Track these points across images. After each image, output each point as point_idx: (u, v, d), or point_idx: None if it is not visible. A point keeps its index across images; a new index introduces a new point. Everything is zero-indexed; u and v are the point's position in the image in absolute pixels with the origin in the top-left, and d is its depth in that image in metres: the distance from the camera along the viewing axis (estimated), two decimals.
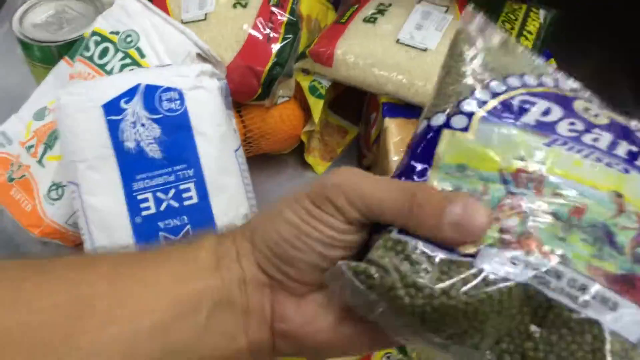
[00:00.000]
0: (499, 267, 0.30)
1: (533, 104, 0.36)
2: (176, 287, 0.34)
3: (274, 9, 0.65)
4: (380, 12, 0.69)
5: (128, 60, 0.58)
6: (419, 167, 0.35)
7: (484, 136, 0.34)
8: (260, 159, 0.70)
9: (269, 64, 0.63)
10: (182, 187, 0.51)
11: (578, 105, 0.37)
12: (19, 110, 0.62)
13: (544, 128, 0.35)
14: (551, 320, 0.30)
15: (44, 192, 0.57)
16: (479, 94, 0.36)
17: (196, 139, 0.51)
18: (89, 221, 0.50)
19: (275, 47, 0.64)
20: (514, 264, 0.30)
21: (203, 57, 0.59)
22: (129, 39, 0.59)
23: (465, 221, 0.31)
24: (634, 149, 0.36)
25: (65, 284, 0.33)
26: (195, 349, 0.33)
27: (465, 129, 0.35)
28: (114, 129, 0.50)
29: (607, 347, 0.29)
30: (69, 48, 0.64)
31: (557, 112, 0.36)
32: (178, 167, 0.51)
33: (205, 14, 0.65)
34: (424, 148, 0.35)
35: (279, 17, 0.65)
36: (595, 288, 0.30)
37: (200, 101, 0.52)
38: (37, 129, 0.59)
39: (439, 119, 0.36)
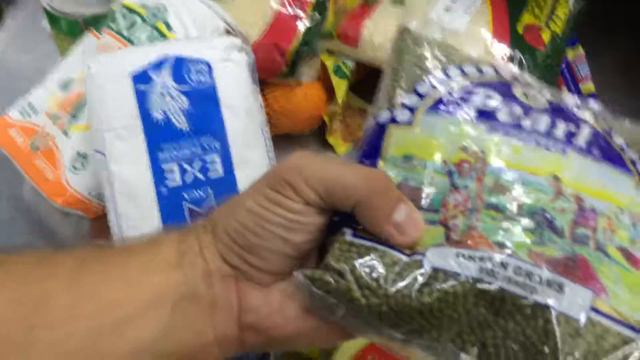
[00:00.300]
0: (447, 264, 0.31)
1: (474, 93, 0.37)
2: (139, 283, 0.33)
3: None
4: None
5: (155, 34, 0.58)
6: (367, 162, 0.37)
7: (428, 128, 0.36)
8: (281, 139, 0.70)
9: (296, 42, 0.63)
10: (207, 159, 0.51)
11: (517, 90, 0.39)
12: (44, 80, 0.62)
13: (485, 117, 0.36)
14: (506, 309, 0.30)
15: (68, 162, 0.57)
16: (422, 88, 0.38)
17: (223, 111, 0.51)
18: (115, 190, 0.50)
19: (303, 26, 0.64)
20: (461, 260, 0.31)
21: (230, 33, 0.59)
22: (157, 12, 0.59)
23: (407, 226, 0.33)
24: (572, 128, 0.37)
25: (26, 279, 0.32)
26: (161, 345, 0.33)
27: (409, 123, 0.37)
28: (142, 99, 0.50)
29: (556, 329, 0.29)
30: (96, 20, 0.64)
31: (497, 99, 0.37)
32: (204, 139, 0.51)
33: None
34: (371, 144, 0.37)
35: None
36: (539, 273, 0.30)
37: (228, 74, 0.52)
38: (64, 100, 0.59)
39: (384, 115, 0.38)
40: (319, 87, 0.68)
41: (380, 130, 0.37)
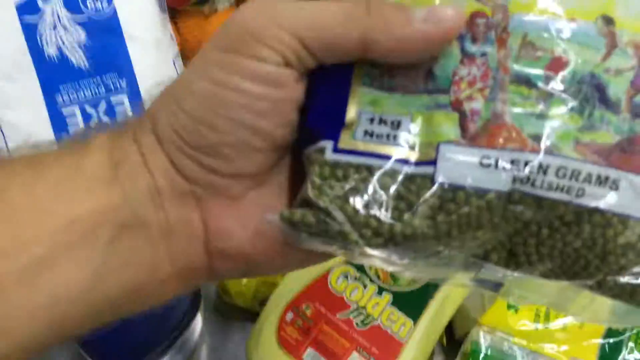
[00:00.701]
0: (468, 174, 0.24)
1: None
2: (55, 210, 0.24)
3: None
4: None
5: None
6: None
7: None
8: None
9: None
10: (113, 100, 0.45)
11: None
12: None
13: None
14: (542, 216, 0.25)
15: None
16: None
17: (128, 44, 0.45)
18: (7, 139, 0.44)
19: None
20: (487, 166, 0.24)
21: None
22: None
23: (437, 12, 0.24)
24: None
25: None
26: (96, 291, 0.25)
27: None
28: (30, 32, 0.44)
29: (606, 232, 0.24)
30: None
31: None
32: (108, 77, 0.45)
33: None
34: None
35: None
36: (588, 169, 0.24)
37: (131, 1, 0.46)
38: None
39: None
40: None
41: None
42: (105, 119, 0.44)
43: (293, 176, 0.27)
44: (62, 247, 0.24)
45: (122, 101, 0.45)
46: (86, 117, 0.44)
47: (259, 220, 0.26)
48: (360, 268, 0.48)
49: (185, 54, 0.61)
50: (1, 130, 0.44)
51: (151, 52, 0.46)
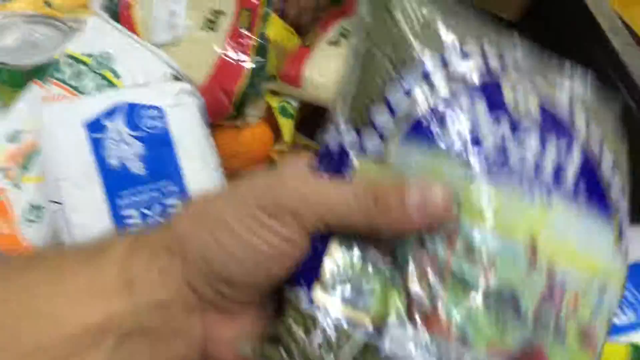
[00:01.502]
0: (406, 350, 0.29)
1: (458, 106, 0.31)
2: (75, 319, 0.28)
3: (243, 31, 0.67)
4: (344, 35, 0.72)
5: (103, 82, 0.59)
6: None
7: (403, 165, 0.30)
8: (232, 179, 0.71)
9: (241, 84, 0.65)
10: (167, 202, 0.52)
11: (506, 89, 0.32)
12: None
13: (473, 143, 0.31)
14: None
15: (21, 215, 0.56)
16: (395, 96, 0.31)
17: (178, 155, 0.53)
18: (74, 238, 0.50)
19: (246, 68, 0.66)
20: (420, 348, 0.29)
21: (178, 78, 0.60)
22: (103, 61, 0.60)
23: (428, 201, 0.29)
24: (562, 152, 0.32)
25: None
26: None
27: (380, 155, 0.31)
28: (97, 146, 0.51)
29: None
30: (39, 71, 0.64)
31: (484, 116, 0.31)
32: (162, 183, 0.52)
33: (176, 37, 0.66)
34: (332, 173, 0.32)
35: (249, 41, 0.68)
36: None
37: (181, 118, 0.54)
38: (13, 152, 0.59)
39: (347, 138, 0.31)
40: (265, 127, 0.70)
41: (343, 158, 0.31)
42: (160, 219, 0.51)
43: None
44: (75, 350, 0.28)
45: (175, 204, 0.52)
46: (143, 217, 0.51)
47: (249, 331, 0.31)
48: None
49: (223, 163, 0.69)
50: (69, 231, 0.50)
51: (198, 161, 0.53)
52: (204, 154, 0.54)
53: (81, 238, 0.50)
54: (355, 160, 0.31)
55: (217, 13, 0.68)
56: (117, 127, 0.52)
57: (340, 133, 0.32)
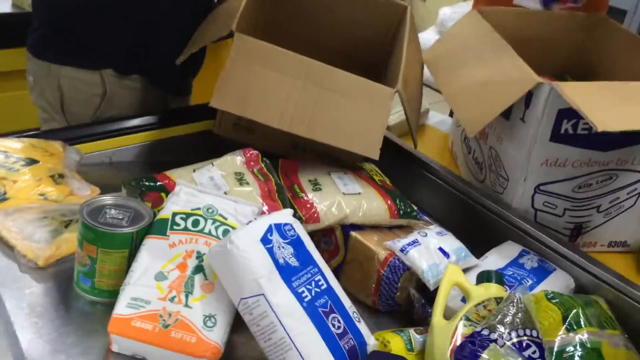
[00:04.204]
0: None
1: None
2: None
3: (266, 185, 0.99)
4: (317, 184, 1.05)
5: (219, 223, 0.85)
6: None
7: None
8: None
9: None
10: (316, 278, 0.80)
11: None
12: (125, 284, 0.80)
13: None
14: None
15: (200, 324, 0.77)
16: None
17: (309, 250, 0.82)
18: (279, 314, 0.75)
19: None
20: None
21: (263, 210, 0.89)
22: (210, 210, 0.86)
23: None
24: None
25: None
26: None
27: None
28: (271, 253, 0.78)
29: None
30: (145, 231, 0.85)
31: None
32: (309, 268, 0.80)
33: (225, 191, 0.94)
34: None
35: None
36: None
37: (300, 228, 0.83)
38: (170, 284, 0.79)
39: None
40: None
41: None
42: (316, 289, 0.79)
43: None
44: None
45: (320, 278, 0.80)
46: (309, 290, 0.78)
47: None
48: None
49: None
50: (273, 310, 0.75)
51: (315, 252, 0.83)
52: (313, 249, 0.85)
53: (283, 311, 0.75)
54: None
55: (239, 174, 0.99)
56: (277, 238, 0.79)
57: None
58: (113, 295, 0.81)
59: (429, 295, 0.91)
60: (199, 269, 0.82)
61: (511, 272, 0.96)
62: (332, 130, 1.02)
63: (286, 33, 1.26)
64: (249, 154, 1.04)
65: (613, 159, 1.07)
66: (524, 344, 0.73)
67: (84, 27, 1.30)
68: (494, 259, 1.00)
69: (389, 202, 1.03)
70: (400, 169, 1.23)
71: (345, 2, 1.31)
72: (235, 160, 1.03)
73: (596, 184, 1.09)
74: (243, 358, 0.83)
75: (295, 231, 0.82)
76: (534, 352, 0.73)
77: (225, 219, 0.86)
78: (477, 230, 1.12)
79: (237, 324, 0.81)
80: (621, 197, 1.12)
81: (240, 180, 0.98)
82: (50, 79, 1.33)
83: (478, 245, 1.03)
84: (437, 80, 1.26)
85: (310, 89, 1.01)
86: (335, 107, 1.02)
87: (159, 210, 0.89)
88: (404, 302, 0.95)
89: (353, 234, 0.99)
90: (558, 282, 0.97)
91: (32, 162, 1.04)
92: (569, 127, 1.04)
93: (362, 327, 0.81)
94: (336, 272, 0.93)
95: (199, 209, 0.86)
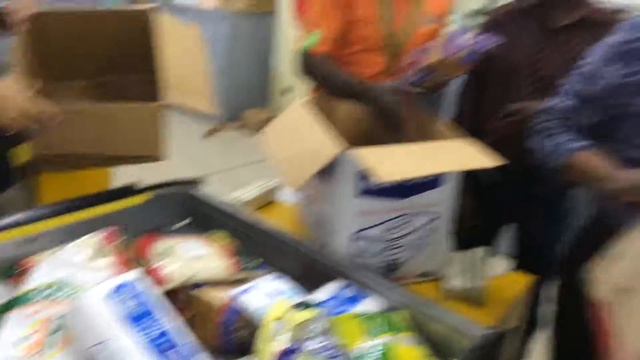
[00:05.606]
0: None
1: None
2: None
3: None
4: (166, 253, 1.24)
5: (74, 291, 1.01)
6: None
7: None
8: None
9: None
10: (158, 324, 0.97)
11: None
12: None
13: None
14: None
15: None
16: None
17: (150, 302, 1.00)
18: (122, 356, 0.91)
19: None
20: None
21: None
22: (66, 282, 1.02)
23: None
24: None
25: None
26: None
27: None
28: (116, 306, 0.95)
29: None
30: (11, 305, 0.99)
31: None
32: (151, 316, 0.98)
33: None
34: None
35: None
36: None
37: (147, 285, 1.01)
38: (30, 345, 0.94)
39: None
40: None
41: None
42: None
43: None
44: None
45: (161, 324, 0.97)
46: None
47: None
48: None
49: None
50: None
51: None
52: None
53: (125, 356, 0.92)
54: None
55: None
56: (121, 295, 0.96)
57: None
58: None
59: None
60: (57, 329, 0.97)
61: (332, 302, 1.17)
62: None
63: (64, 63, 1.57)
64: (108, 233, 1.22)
65: (409, 205, 1.33)
66: (327, 347, 0.93)
67: None
68: (321, 294, 1.21)
69: (232, 259, 1.24)
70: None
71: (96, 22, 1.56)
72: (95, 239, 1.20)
73: (400, 227, 1.35)
74: None
75: (139, 288, 0.99)
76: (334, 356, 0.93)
77: (80, 287, 1.02)
78: (310, 274, 1.32)
79: None
80: (422, 235, 1.38)
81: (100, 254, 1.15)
82: None
83: (314, 285, 1.23)
84: (268, 153, 1.48)
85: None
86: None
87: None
88: (246, 340, 1.13)
89: (195, 291, 1.18)
90: (370, 305, 1.18)
91: None
92: (369, 183, 1.29)
93: (203, 356, 0.98)
94: (190, 323, 1.10)
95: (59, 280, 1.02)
